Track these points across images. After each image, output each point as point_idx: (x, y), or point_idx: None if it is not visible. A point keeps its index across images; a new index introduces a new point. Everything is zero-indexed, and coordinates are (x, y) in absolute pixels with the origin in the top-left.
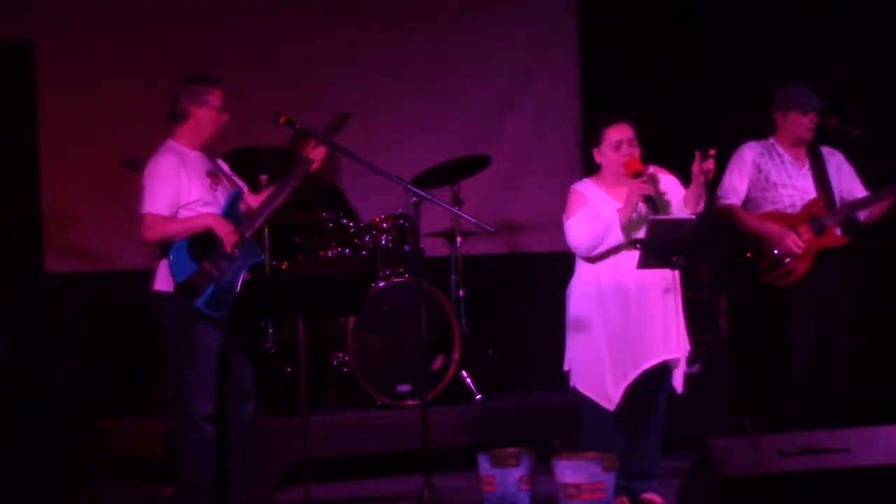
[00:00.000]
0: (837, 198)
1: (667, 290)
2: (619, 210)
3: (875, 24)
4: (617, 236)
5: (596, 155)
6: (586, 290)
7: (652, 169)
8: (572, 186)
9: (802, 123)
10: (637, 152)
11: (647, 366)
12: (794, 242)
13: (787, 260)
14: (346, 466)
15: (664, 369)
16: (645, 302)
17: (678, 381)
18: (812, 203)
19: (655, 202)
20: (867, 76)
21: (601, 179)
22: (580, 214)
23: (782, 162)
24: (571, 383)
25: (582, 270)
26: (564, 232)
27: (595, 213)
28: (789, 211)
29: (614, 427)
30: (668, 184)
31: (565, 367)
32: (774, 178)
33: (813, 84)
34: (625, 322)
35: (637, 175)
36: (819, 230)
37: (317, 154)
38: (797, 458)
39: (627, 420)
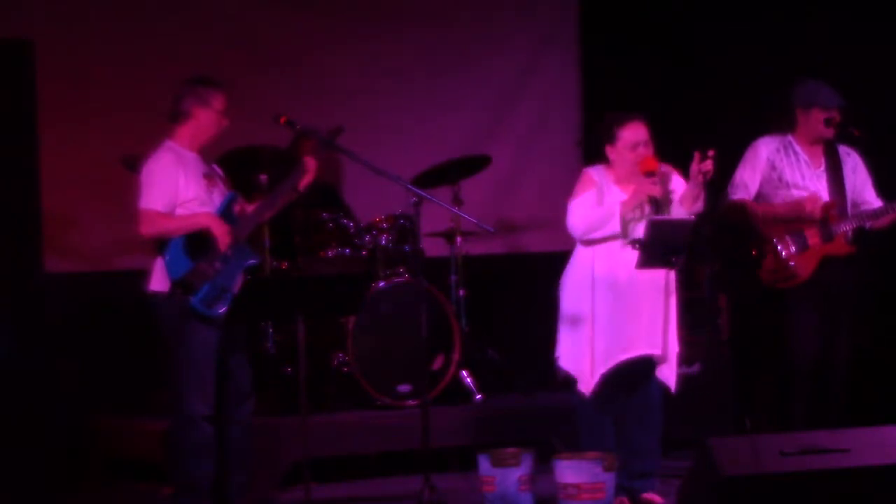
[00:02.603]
0: (850, 200)
1: (659, 289)
2: (622, 202)
3: (876, 24)
4: (614, 226)
5: (609, 152)
6: (579, 278)
7: (664, 168)
8: (585, 169)
9: (823, 121)
10: (651, 151)
11: (624, 357)
12: (813, 206)
13: (792, 263)
14: (346, 466)
15: (651, 366)
16: (634, 295)
17: (670, 380)
18: (824, 207)
19: (660, 204)
20: (868, 76)
21: (613, 172)
22: (585, 197)
23: (797, 161)
24: (561, 366)
25: (577, 260)
26: (566, 212)
27: (599, 198)
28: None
29: (598, 417)
30: (677, 184)
31: (557, 355)
32: (788, 178)
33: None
34: (611, 311)
35: (649, 174)
36: (828, 236)
37: (309, 164)
38: (797, 458)
39: (618, 416)
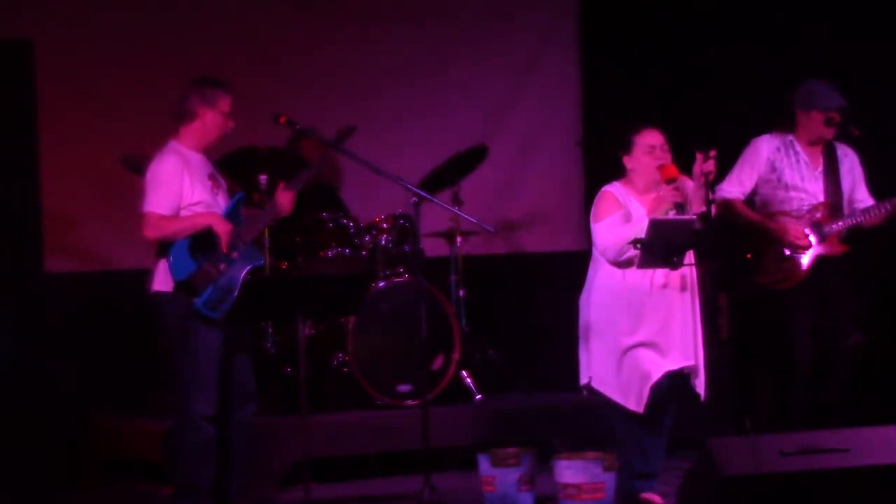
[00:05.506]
0: (846, 199)
1: (686, 292)
2: (650, 216)
3: (877, 24)
4: None
5: (626, 161)
6: (610, 293)
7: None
8: (604, 189)
9: (823, 122)
10: (669, 157)
11: (669, 368)
12: (797, 236)
13: (786, 265)
14: (346, 466)
15: (682, 375)
16: (668, 305)
17: (701, 388)
18: (815, 208)
19: (685, 209)
20: (868, 76)
21: (631, 184)
22: (613, 219)
23: (798, 161)
24: (595, 387)
25: (603, 274)
26: (593, 233)
27: (626, 217)
28: (795, 215)
29: (640, 430)
30: (688, 188)
31: (584, 374)
32: (787, 179)
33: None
34: (649, 324)
35: (671, 181)
36: (820, 237)
37: (284, 199)
38: (797, 458)
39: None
